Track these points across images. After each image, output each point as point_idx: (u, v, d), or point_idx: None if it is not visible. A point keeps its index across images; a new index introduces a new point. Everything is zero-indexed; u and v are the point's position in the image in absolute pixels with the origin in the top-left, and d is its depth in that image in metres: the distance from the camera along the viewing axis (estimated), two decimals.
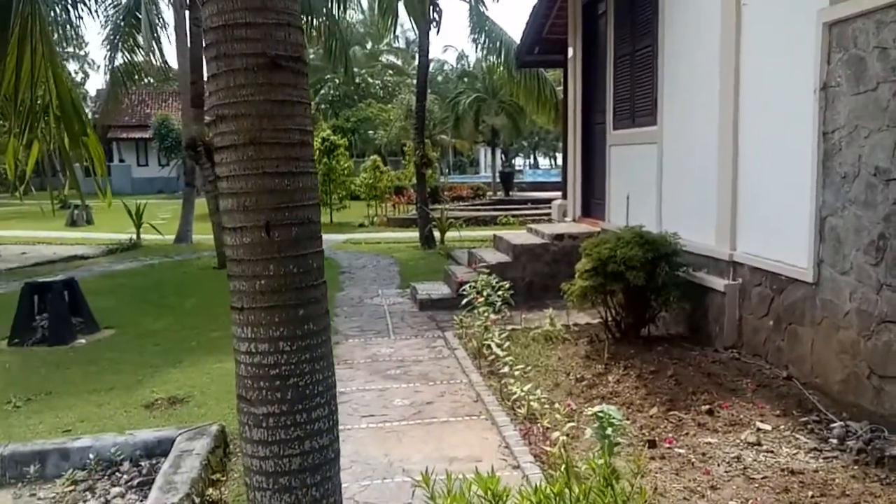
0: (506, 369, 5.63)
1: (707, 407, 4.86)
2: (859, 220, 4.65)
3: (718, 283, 6.28)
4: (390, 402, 5.55)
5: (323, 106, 41.60)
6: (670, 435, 4.47)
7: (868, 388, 4.59)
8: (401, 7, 15.01)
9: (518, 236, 10.22)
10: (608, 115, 9.33)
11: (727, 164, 6.23)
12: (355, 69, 28.60)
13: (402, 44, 48.45)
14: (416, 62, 17.52)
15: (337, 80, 38.99)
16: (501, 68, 17.34)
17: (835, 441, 4.27)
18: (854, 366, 4.72)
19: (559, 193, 13.59)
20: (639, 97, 8.40)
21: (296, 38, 2.32)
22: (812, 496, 3.64)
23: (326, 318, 2.53)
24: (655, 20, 7.78)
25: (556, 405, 4.86)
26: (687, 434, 4.51)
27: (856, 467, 3.94)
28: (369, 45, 47.80)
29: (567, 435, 4.23)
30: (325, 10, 15.42)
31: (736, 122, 6.12)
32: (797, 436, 4.41)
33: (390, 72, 46.79)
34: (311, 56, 36.58)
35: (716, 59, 6.39)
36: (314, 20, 15.25)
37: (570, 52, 10.77)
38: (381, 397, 5.67)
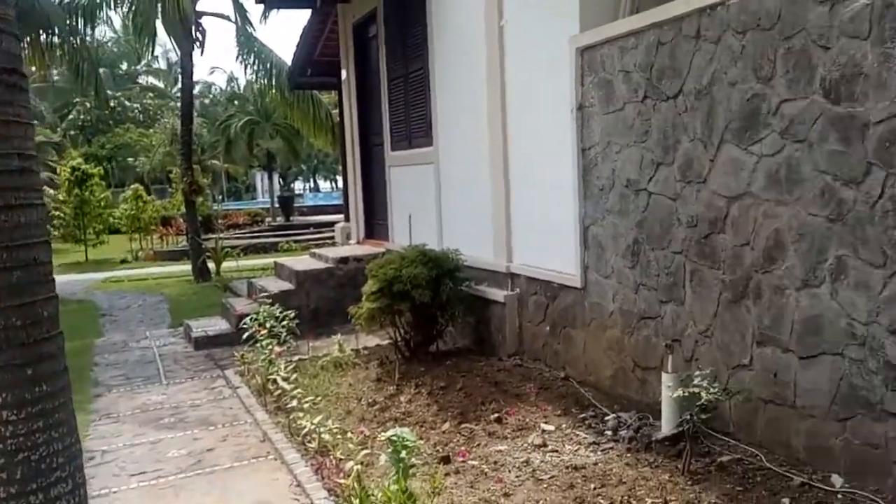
0: (294, 403, 5.43)
1: (496, 415, 5.06)
2: (616, 228, 5.13)
3: (499, 294, 6.61)
4: (164, 454, 5.13)
5: (72, 132, 38.11)
6: (463, 448, 4.58)
7: (634, 380, 5.05)
8: (159, 26, 14.19)
9: (301, 262, 10.02)
10: (385, 136, 9.50)
11: (499, 181, 6.59)
12: (109, 91, 26.54)
13: (163, 65, 45.98)
14: (180, 84, 16.65)
15: (88, 104, 35.94)
16: (274, 90, 16.99)
17: (609, 433, 4.63)
18: (621, 361, 5.18)
19: (342, 216, 13.57)
20: (414, 119, 8.65)
21: (9, 46, 2.02)
22: (594, 488, 3.91)
23: (65, 375, 2.21)
24: (426, 44, 8.07)
25: (350, 434, 4.77)
26: (479, 445, 4.65)
27: (629, 455, 4.30)
28: (125, 66, 44.77)
29: (361, 463, 4.16)
30: (67, 26, 14.13)
31: (505, 140, 6.51)
32: (577, 432, 4.72)
33: (151, 94, 44.08)
34: (56, 77, 33.39)
35: (483, 81, 6.75)
36: (55, 37, 13.90)
37: (344, 74, 10.85)
38: (153, 450, 5.22)
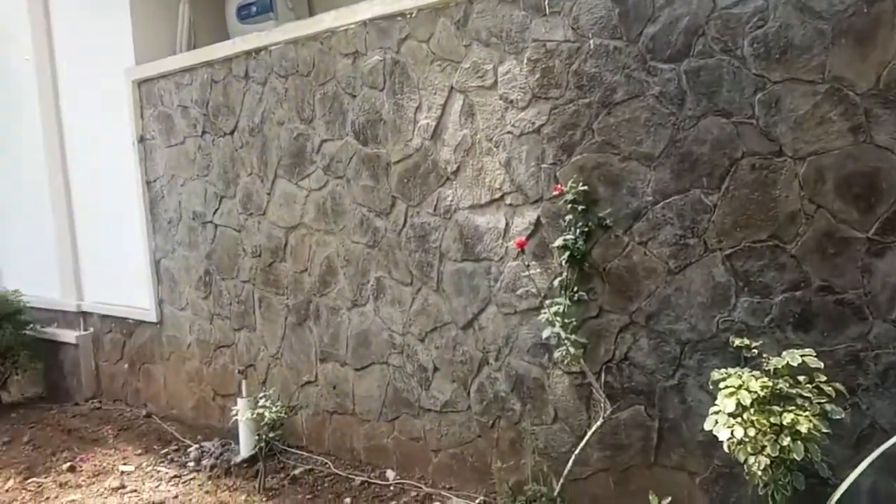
0: None
1: (68, 464, 4.37)
2: (188, 261, 4.77)
3: (70, 335, 5.70)
4: None
5: None
6: None
7: (215, 408, 4.75)
8: None
9: None
10: None
11: (62, 217, 5.69)
12: None
13: None
14: None
15: None
16: None
17: (192, 464, 4.28)
18: (201, 391, 4.83)
19: None
20: None
21: None
22: None
23: None
24: None
25: None
26: (48, 498, 3.97)
27: (210, 483, 4.02)
28: None
29: None
30: None
31: (66, 174, 5.63)
32: (159, 468, 4.27)
33: None
34: None
35: (37, 113, 5.73)
36: None
37: None
38: None
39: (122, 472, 4.22)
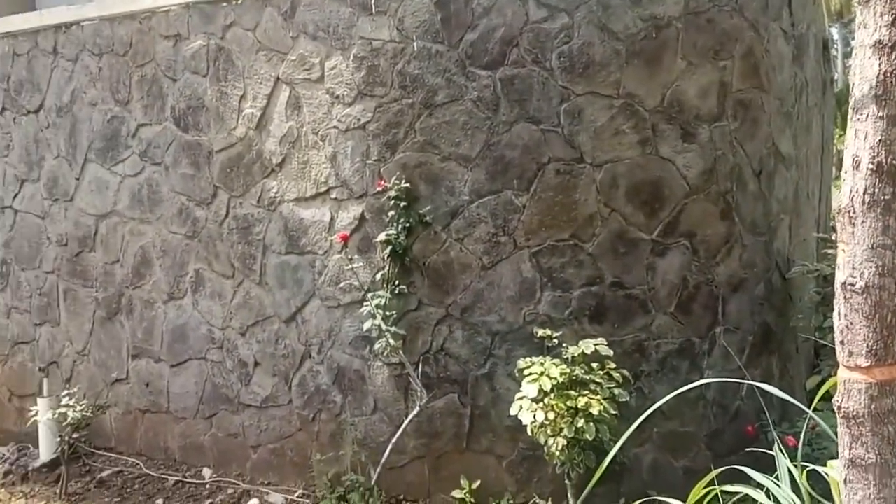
0: None
1: None
2: None
3: None
4: None
5: None
6: None
7: (12, 410, 4.39)
8: None
9: None
10: None
11: None
12: None
13: None
14: None
15: None
16: None
17: None
18: None
19: None
20: None
21: None
22: None
23: None
24: None
25: None
26: None
27: (2, 490, 3.72)
28: None
29: None
30: None
31: None
32: None
33: None
34: None
35: None
36: None
37: None
38: None
39: None
